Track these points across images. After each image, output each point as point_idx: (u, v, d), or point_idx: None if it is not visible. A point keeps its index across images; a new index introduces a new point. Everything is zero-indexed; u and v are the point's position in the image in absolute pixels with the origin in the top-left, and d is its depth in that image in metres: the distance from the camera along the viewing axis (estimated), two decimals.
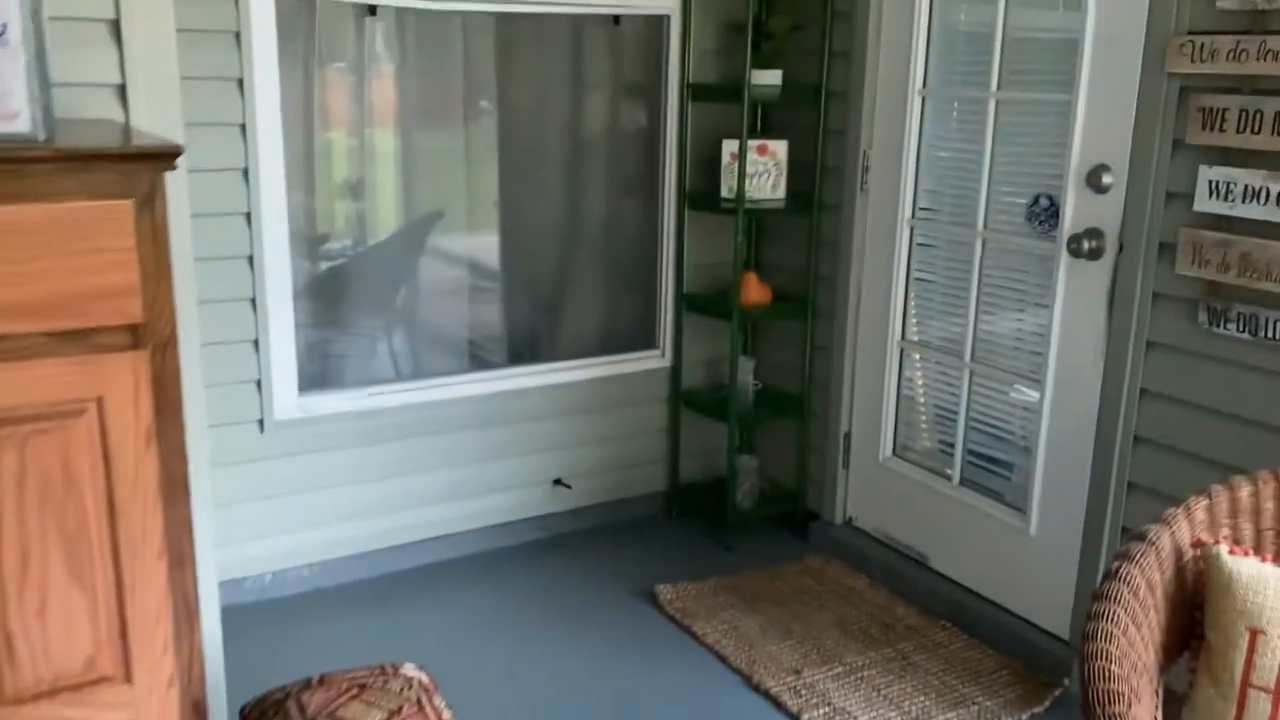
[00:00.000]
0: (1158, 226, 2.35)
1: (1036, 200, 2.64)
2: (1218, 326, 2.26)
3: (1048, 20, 2.67)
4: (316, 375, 3.01)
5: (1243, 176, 2.17)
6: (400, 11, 2.97)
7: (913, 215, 3.02)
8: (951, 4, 2.87)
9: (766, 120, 3.48)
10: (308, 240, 2.98)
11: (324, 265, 3.05)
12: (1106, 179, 2.44)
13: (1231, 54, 2.15)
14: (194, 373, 1.94)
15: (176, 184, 1.79)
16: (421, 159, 3.17)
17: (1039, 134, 2.66)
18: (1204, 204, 2.24)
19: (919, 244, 3.04)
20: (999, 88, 2.73)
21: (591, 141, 3.38)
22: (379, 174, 3.10)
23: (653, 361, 3.52)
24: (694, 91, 3.33)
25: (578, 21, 3.24)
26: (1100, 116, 2.45)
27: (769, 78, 3.20)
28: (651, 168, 3.43)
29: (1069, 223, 2.54)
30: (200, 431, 2.01)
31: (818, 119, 3.21)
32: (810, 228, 3.28)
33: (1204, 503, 1.77)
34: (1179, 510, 1.74)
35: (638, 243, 3.49)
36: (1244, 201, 2.17)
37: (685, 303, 3.46)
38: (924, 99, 2.95)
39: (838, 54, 3.15)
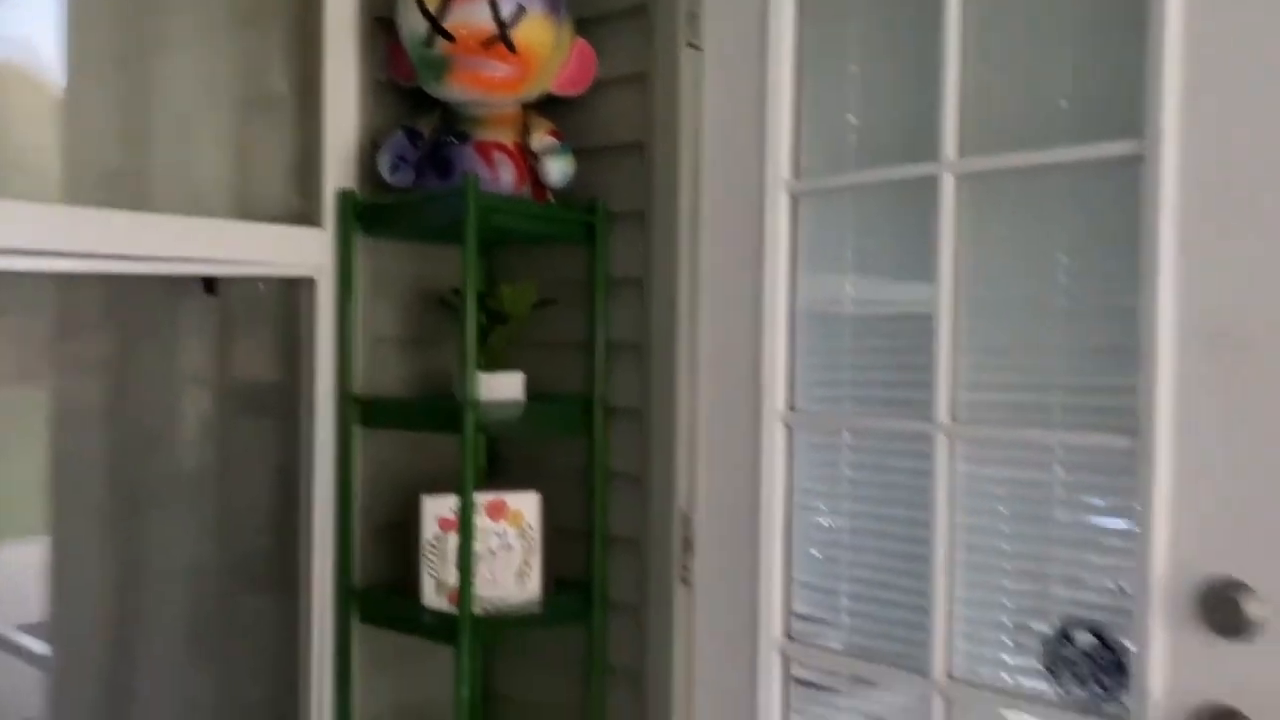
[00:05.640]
0: None
1: (1066, 637, 1.37)
2: None
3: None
4: None
5: None
6: None
7: (785, 633, 1.67)
8: (821, 275, 1.66)
9: (500, 458, 2.06)
10: None
11: None
12: (1251, 609, 1.21)
13: None
14: None
15: None
16: None
17: (1040, 504, 1.42)
18: None
19: (802, 681, 1.67)
20: (952, 418, 1.50)
21: (184, 491, 1.79)
22: None
23: None
24: (364, 410, 1.85)
25: (156, 287, 1.72)
26: (1196, 466, 1.26)
27: (504, 385, 1.80)
28: (286, 541, 1.87)
29: (1161, 697, 1.28)
30: None
31: (591, 457, 1.83)
32: (589, 650, 1.83)
33: None
34: None
35: (267, 680, 1.87)
36: None
37: None
38: (789, 426, 1.67)
39: (622, 346, 1.83)
